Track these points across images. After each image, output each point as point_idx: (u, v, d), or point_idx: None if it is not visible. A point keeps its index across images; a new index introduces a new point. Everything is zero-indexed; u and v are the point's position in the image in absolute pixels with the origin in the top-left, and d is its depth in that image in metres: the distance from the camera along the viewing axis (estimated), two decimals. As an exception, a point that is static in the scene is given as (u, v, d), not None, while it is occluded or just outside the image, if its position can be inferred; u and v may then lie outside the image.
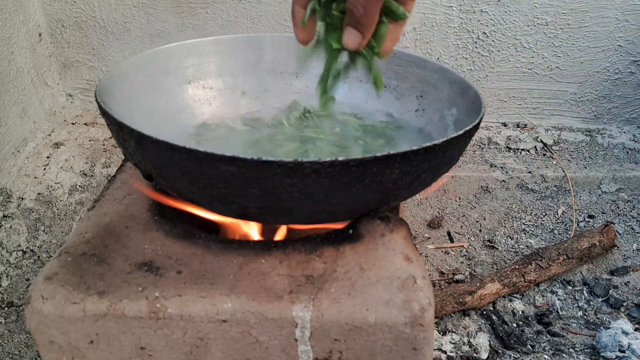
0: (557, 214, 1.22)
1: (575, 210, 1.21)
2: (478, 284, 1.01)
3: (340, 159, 0.49)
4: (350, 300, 0.52)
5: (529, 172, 1.25)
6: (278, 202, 0.53)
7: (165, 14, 1.32)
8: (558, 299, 1.04)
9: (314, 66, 0.87)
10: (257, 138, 0.73)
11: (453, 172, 1.24)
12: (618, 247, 1.12)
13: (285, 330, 0.53)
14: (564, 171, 1.24)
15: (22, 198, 1.17)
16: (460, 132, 0.56)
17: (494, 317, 0.99)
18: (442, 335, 0.96)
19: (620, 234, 1.16)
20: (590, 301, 1.05)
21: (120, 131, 0.56)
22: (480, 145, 1.34)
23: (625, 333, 0.92)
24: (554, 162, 1.28)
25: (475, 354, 0.91)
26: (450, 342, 0.94)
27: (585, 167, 1.27)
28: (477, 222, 1.22)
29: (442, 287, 1.06)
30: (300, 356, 0.54)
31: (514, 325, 0.99)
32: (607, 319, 1.00)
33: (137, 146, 0.55)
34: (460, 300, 0.99)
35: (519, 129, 1.40)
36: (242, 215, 0.60)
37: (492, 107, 1.39)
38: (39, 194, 1.19)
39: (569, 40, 1.30)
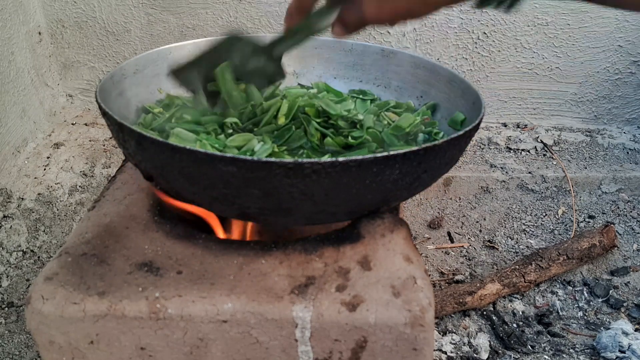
0: (557, 215, 1.22)
1: (576, 210, 1.21)
2: (478, 285, 1.01)
3: (341, 159, 0.49)
4: (350, 300, 0.52)
5: (529, 173, 1.25)
6: (278, 202, 0.53)
7: (165, 15, 1.32)
8: (558, 300, 1.04)
9: (314, 66, 0.87)
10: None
11: (453, 173, 1.24)
12: (618, 247, 1.12)
13: (285, 331, 0.53)
14: (564, 171, 1.24)
15: (22, 198, 1.17)
16: (460, 132, 0.56)
17: (494, 318, 0.99)
18: (442, 335, 0.96)
19: (620, 235, 1.16)
20: (590, 301, 1.05)
21: (121, 132, 0.56)
22: (480, 146, 1.34)
23: (626, 333, 0.92)
24: (554, 163, 1.28)
25: (475, 355, 0.91)
26: (451, 342, 0.94)
27: (586, 168, 1.27)
28: (477, 222, 1.22)
29: (442, 287, 1.06)
30: (301, 356, 0.54)
31: (514, 325, 0.99)
32: (607, 320, 1.00)
33: (137, 147, 0.55)
34: (461, 300, 0.99)
35: (519, 129, 1.40)
36: (242, 215, 0.60)
37: (492, 107, 1.39)
38: (39, 194, 1.19)
39: (569, 41, 1.30)
